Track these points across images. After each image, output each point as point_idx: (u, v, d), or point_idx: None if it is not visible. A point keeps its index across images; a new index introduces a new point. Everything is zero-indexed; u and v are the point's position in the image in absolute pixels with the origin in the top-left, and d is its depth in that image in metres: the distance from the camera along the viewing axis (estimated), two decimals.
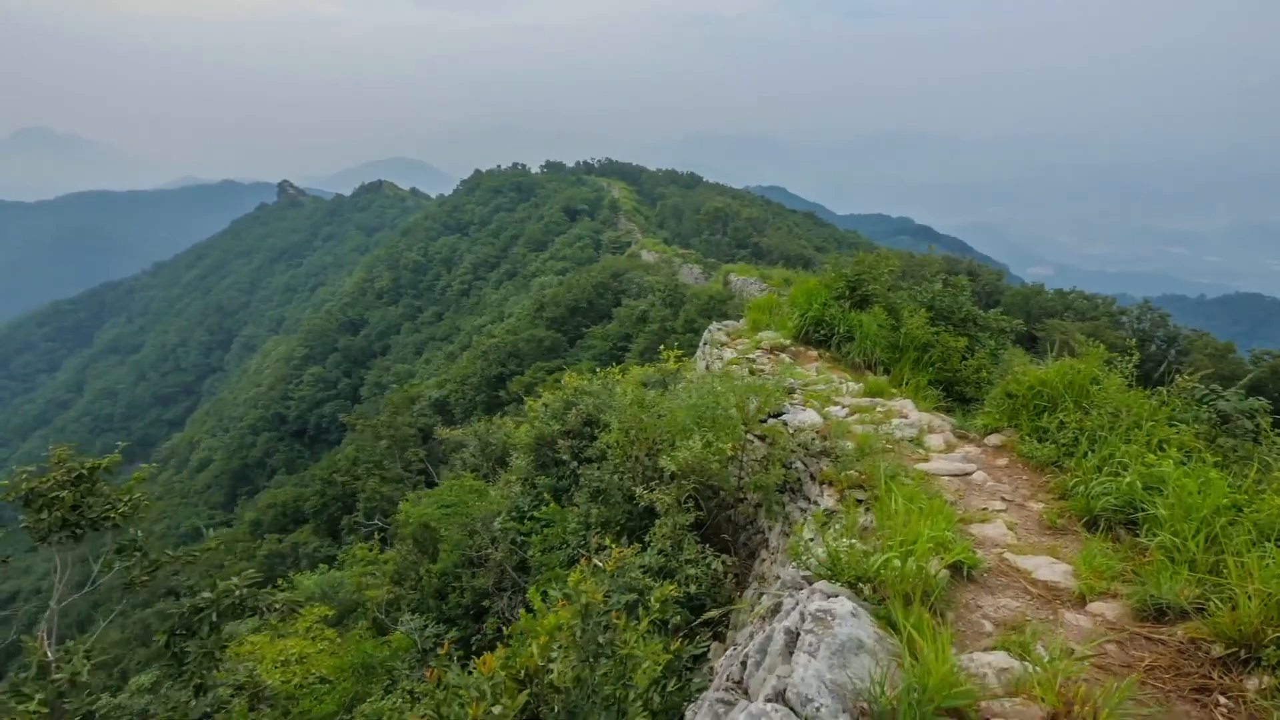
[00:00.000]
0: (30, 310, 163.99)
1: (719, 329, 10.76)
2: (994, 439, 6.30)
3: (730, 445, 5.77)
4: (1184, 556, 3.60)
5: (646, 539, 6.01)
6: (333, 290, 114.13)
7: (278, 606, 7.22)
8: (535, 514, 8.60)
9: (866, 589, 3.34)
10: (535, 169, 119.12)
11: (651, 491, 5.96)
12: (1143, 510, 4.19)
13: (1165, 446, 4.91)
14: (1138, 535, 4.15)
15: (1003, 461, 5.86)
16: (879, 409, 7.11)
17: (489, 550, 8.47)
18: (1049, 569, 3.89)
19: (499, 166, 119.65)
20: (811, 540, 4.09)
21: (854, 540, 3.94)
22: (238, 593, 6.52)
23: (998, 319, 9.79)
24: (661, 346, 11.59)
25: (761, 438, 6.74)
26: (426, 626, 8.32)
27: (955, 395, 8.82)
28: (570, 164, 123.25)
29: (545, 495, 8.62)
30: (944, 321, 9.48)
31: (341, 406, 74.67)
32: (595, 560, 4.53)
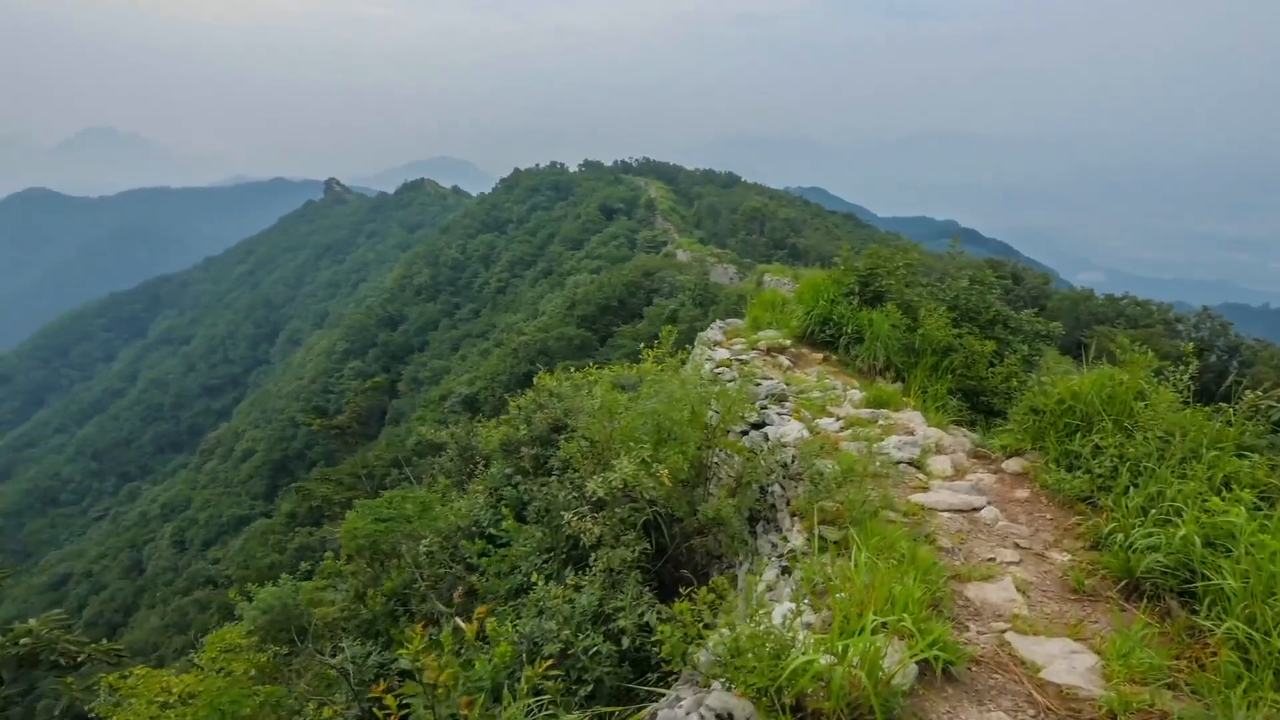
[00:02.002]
0: (91, 301, 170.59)
1: (716, 327, 9.71)
2: (1014, 464, 5.14)
3: (666, 468, 4.71)
4: (1267, 660, 2.48)
5: (573, 575, 5.04)
6: (374, 286, 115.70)
7: (82, 657, 6.33)
8: (493, 530, 7.71)
9: (788, 696, 2.31)
10: (573, 168, 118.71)
11: (581, 519, 4.96)
12: (1203, 578, 3.06)
13: (1233, 485, 3.71)
14: (1196, 612, 3.01)
15: (1023, 493, 4.72)
16: (880, 422, 6.00)
17: (419, 574, 7.58)
18: (1066, 664, 2.77)
19: (537, 165, 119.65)
20: (748, 605, 3.06)
21: (799, 607, 2.91)
22: (25, 640, 5.67)
23: (1032, 321, 8.53)
24: (642, 345, 10.58)
25: (745, 453, 5.72)
26: (370, 655, 7.47)
27: (981, 407, 7.64)
28: (608, 163, 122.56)
29: (504, 511, 7.70)
30: (969, 322, 8.27)
31: (379, 401, 75.58)
32: (456, 621, 3.57)
